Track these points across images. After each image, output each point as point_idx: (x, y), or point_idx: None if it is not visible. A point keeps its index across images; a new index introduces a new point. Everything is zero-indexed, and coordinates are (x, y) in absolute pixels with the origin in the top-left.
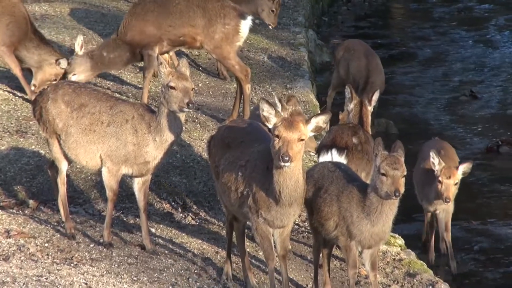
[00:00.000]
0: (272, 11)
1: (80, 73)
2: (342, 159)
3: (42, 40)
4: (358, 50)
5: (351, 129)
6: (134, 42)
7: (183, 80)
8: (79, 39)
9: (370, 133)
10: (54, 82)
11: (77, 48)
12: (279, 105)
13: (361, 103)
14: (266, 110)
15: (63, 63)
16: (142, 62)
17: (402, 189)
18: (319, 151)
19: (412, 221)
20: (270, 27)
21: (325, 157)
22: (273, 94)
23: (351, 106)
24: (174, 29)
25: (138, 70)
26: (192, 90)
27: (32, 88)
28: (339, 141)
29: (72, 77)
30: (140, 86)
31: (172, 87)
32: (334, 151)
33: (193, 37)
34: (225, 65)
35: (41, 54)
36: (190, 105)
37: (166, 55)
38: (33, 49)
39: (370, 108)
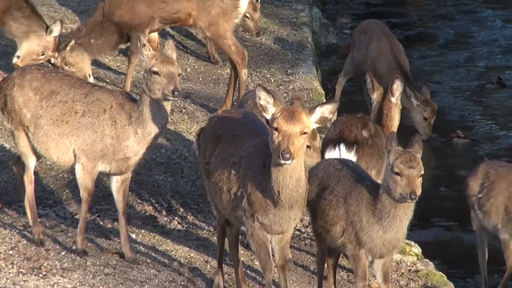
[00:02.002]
0: None
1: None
2: (351, 156)
3: (34, 11)
4: (377, 31)
5: (360, 120)
6: (123, 22)
7: (168, 65)
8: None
9: (394, 129)
10: (41, 57)
11: (67, 49)
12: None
13: (384, 92)
14: (263, 99)
15: (55, 29)
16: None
17: (418, 191)
18: (324, 146)
19: (430, 227)
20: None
21: (332, 154)
22: (272, 80)
23: (373, 97)
24: (168, 5)
25: (117, 52)
26: (178, 75)
27: (15, 60)
28: (348, 134)
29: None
30: (119, 70)
31: (155, 72)
32: (342, 147)
33: (188, 12)
34: (220, 46)
35: (31, 25)
36: (176, 93)
37: (155, 35)
38: (22, 20)
39: (393, 100)
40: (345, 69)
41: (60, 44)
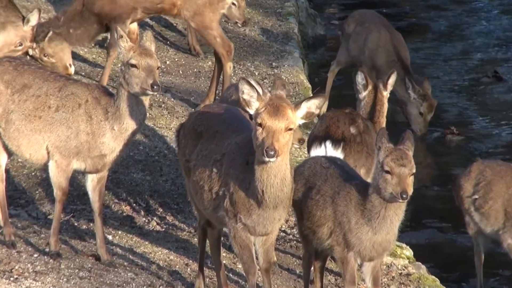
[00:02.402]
0: None
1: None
2: (337, 153)
3: (10, 1)
4: (375, 22)
5: (348, 116)
6: (103, 13)
7: (147, 57)
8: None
9: (384, 125)
10: (19, 48)
11: (45, 40)
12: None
13: (375, 88)
14: (246, 93)
15: (33, 19)
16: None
17: (410, 190)
18: (310, 143)
19: (422, 228)
20: None
21: (318, 151)
22: (256, 74)
23: (364, 94)
24: None
25: (93, 44)
26: (157, 69)
27: None
28: (334, 131)
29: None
30: (95, 63)
31: (133, 65)
32: (328, 144)
33: (172, 2)
34: (205, 37)
35: (8, 16)
36: (155, 87)
37: (135, 26)
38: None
39: (385, 94)
40: (338, 59)
41: (37, 35)
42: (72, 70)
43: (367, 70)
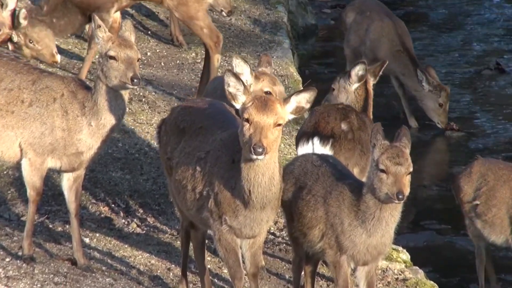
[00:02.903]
0: None
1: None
2: (326, 151)
3: None
4: (376, 10)
5: (340, 111)
6: (85, 2)
7: (126, 48)
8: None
9: (371, 117)
10: None
11: (22, 22)
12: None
13: (365, 83)
14: (232, 86)
15: (11, 2)
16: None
17: (406, 190)
18: (298, 139)
19: (420, 230)
20: None
21: (305, 148)
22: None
23: (356, 85)
24: None
25: (69, 34)
26: (138, 60)
27: None
28: (323, 126)
29: None
30: (71, 54)
31: (112, 57)
32: (316, 140)
33: None
34: (191, 28)
35: None
36: (136, 80)
37: (117, 14)
38: None
39: (371, 84)
40: (348, 60)
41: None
42: (58, 58)
43: (368, 63)
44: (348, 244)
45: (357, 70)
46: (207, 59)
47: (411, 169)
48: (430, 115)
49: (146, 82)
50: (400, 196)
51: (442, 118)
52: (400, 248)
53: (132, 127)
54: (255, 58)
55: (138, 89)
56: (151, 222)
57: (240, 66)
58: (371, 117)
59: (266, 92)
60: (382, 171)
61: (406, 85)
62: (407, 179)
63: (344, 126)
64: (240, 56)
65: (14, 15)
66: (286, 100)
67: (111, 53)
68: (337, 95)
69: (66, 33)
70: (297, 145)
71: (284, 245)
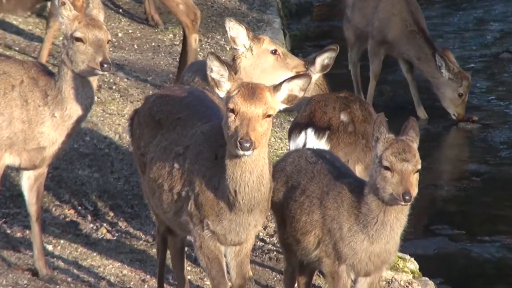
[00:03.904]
0: None
1: None
2: (321, 144)
3: None
4: None
5: (340, 100)
6: None
7: (95, 29)
8: None
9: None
10: None
11: None
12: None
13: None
14: (216, 71)
15: None
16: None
17: (414, 190)
18: (290, 131)
19: (429, 236)
20: None
21: (298, 141)
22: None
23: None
24: None
25: (29, 13)
26: (108, 43)
27: None
28: (319, 117)
29: None
30: (32, 35)
31: (78, 39)
32: (310, 132)
33: None
34: (165, 4)
35: None
36: (106, 65)
37: None
38: None
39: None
40: (349, 43)
41: None
42: None
43: (374, 45)
44: (347, 252)
45: (324, 58)
46: (185, 40)
47: (419, 166)
48: (446, 105)
49: (117, 67)
50: (407, 197)
51: (460, 110)
52: (407, 257)
53: (102, 119)
54: None
55: (108, 75)
56: (123, 227)
57: (235, 29)
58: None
59: (274, 51)
60: (386, 168)
61: (422, 71)
62: (414, 178)
63: (343, 117)
64: (233, 18)
65: None
66: (276, 87)
67: (78, 34)
68: None
69: (16, 10)
70: (289, 138)
71: (275, 253)
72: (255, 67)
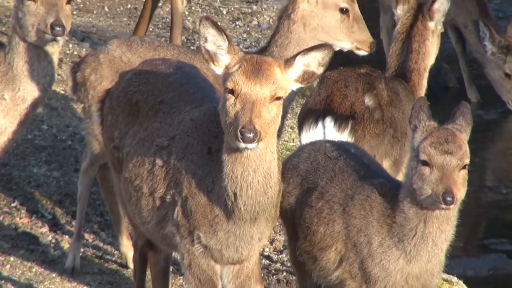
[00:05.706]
0: None
1: None
2: (343, 137)
3: None
4: None
5: (362, 79)
6: None
7: None
8: None
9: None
10: None
11: None
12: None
13: (416, 13)
14: (211, 41)
15: None
16: None
17: (459, 191)
18: (301, 120)
19: (483, 253)
20: None
21: (312, 133)
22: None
23: (399, 11)
24: None
25: None
26: (67, 3)
27: None
28: (339, 103)
29: None
30: None
31: None
32: (328, 122)
33: None
34: None
35: None
36: (58, 28)
37: None
38: None
39: (431, 26)
40: (381, 5)
41: None
42: None
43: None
44: (378, 272)
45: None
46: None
47: (467, 161)
48: (497, 90)
49: (82, 35)
50: (448, 198)
51: None
52: (455, 279)
53: (63, 102)
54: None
55: (71, 46)
56: (91, 241)
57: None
58: (421, 86)
59: (344, 9)
60: (424, 163)
61: (468, 42)
62: (460, 175)
63: (368, 100)
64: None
65: None
66: (288, 62)
67: None
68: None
69: None
70: (300, 129)
71: (285, 273)
72: (314, 17)
